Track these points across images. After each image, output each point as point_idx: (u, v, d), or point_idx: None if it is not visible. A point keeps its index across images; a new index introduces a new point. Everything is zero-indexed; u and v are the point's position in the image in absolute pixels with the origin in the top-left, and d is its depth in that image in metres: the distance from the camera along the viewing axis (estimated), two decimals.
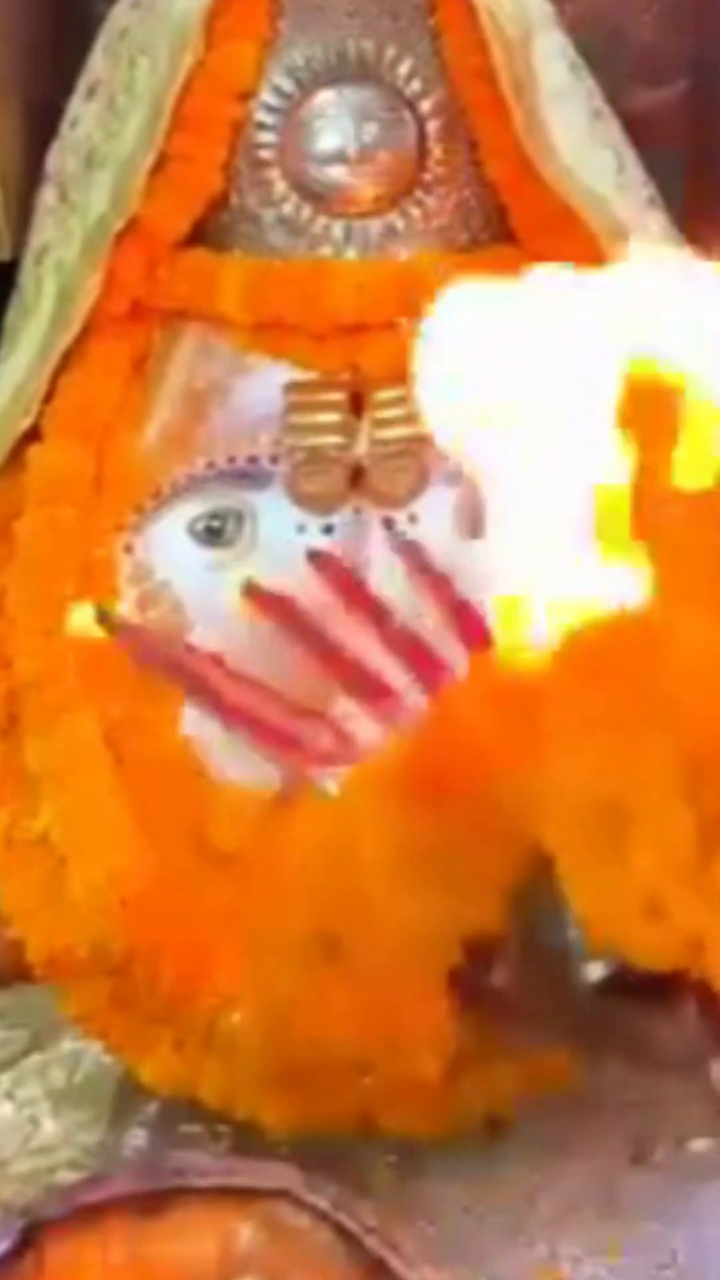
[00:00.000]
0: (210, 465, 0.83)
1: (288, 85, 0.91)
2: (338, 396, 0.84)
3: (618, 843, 0.39)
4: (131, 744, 0.78)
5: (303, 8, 0.91)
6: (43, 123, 0.93)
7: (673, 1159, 0.78)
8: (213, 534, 0.82)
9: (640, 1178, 0.77)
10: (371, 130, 0.90)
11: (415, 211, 0.87)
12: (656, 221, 0.95)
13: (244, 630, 0.79)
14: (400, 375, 0.83)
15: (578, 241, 0.90)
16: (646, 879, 0.39)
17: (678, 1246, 0.74)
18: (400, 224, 0.87)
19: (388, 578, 0.79)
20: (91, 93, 0.91)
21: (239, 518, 0.82)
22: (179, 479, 0.84)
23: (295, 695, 0.77)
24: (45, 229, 0.91)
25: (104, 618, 0.73)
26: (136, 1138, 0.80)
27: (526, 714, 0.43)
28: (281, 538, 0.81)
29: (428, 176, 0.91)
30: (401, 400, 0.83)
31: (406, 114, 0.90)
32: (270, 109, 0.91)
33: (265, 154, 0.89)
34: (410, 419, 0.83)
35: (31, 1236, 0.65)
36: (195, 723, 0.78)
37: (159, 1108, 0.80)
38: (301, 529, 0.81)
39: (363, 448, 0.83)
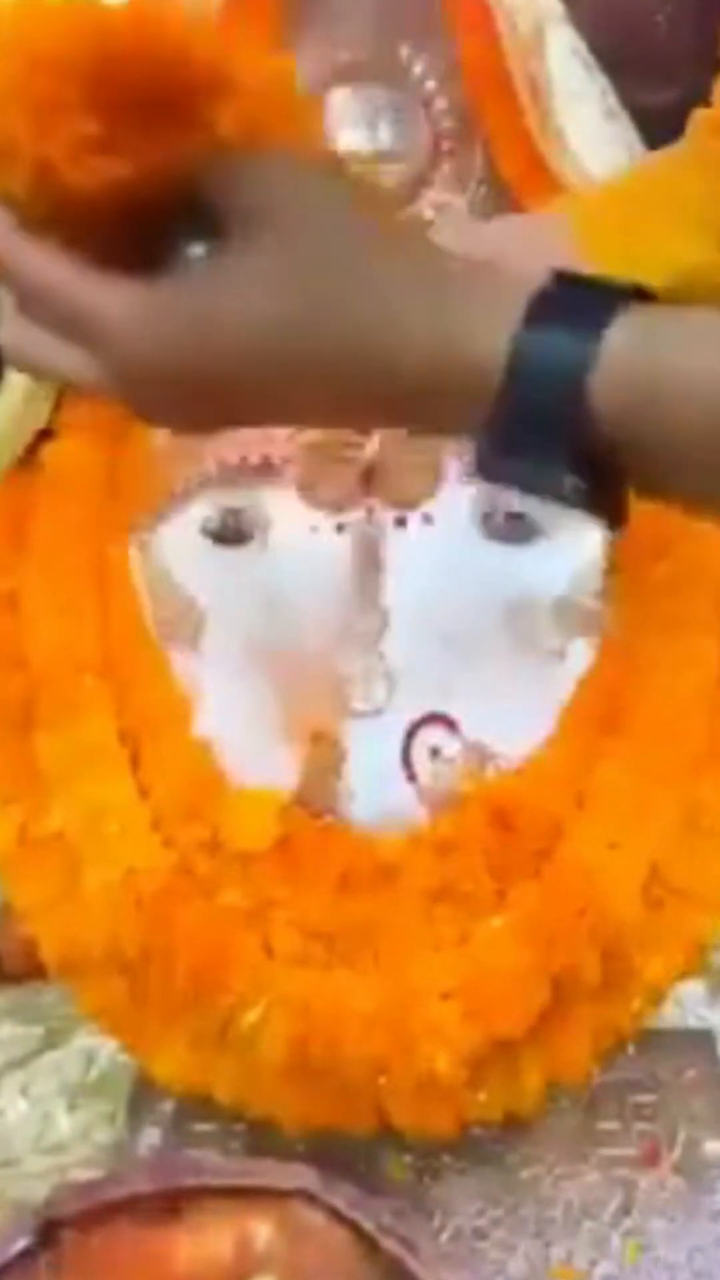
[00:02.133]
0: (222, 464, 0.83)
1: (300, 86, 0.90)
2: None
3: None
4: (147, 743, 0.78)
5: (315, 7, 0.91)
6: None
7: (687, 1160, 0.78)
8: (225, 533, 0.82)
9: (654, 1179, 0.77)
10: (385, 130, 0.90)
11: (429, 211, 0.86)
12: None
13: (258, 630, 0.79)
14: None
15: None
16: None
17: (693, 1247, 0.74)
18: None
19: (402, 578, 0.79)
20: None
21: (252, 517, 0.82)
22: (192, 478, 0.83)
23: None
24: None
25: None
26: (151, 1136, 0.80)
27: None
28: (294, 537, 0.81)
29: (441, 176, 0.91)
30: None
31: (420, 114, 0.90)
32: None
33: None
34: None
35: (49, 1234, 0.65)
36: (211, 723, 0.78)
37: (174, 1106, 0.80)
38: (314, 529, 0.81)
39: (375, 447, 0.82)
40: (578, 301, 0.49)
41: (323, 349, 0.50)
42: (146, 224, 0.51)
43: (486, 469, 0.50)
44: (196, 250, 0.51)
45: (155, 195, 0.50)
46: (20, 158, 0.49)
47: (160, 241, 0.51)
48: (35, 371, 0.54)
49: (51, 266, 0.50)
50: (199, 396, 0.51)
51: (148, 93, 0.48)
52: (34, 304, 0.51)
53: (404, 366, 0.50)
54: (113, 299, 0.50)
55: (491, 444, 0.49)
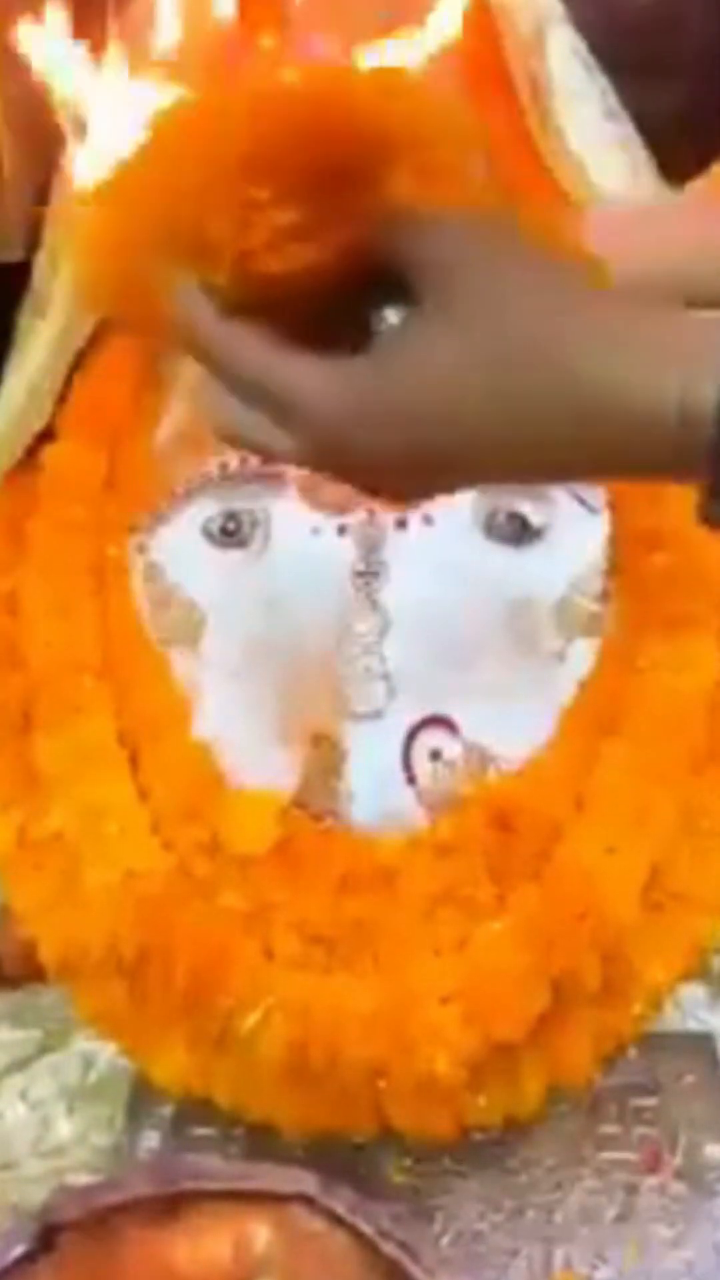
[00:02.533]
0: (223, 466, 0.83)
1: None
2: None
3: None
4: (147, 745, 0.78)
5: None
6: (58, 121, 0.92)
7: (688, 1165, 0.78)
8: (226, 535, 0.82)
9: (655, 1184, 0.77)
10: None
11: None
12: None
13: (258, 632, 0.79)
14: None
15: None
16: None
17: (694, 1252, 0.74)
18: None
19: (403, 580, 0.79)
20: None
21: (252, 519, 0.82)
22: (192, 479, 0.83)
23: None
24: (59, 229, 0.90)
25: None
26: (150, 1140, 0.80)
27: None
28: (295, 539, 0.81)
29: None
30: None
31: None
32: None
33: None
34: None
35: (48, 1239, 0.65)
36: (211, 725, 0.78)
37: (173, 1110, 0.80)
38: (316, 530, 0.81)
39: None
40: None
41: (525, 405, 0.50)
42: (341, 297, 0.53)
43: (707, 516, 0.50)
44: (390, 317, 0.52)
45: (347, 269, 0.52)
46: (221, 252, 0.51)
47: (356, 312, 0.53)
48: (243, 448, 0.56)
49: (250, 350, 0.52)
50: (406, 466, 0.52)
51: (327, 170, 0.51)
52: (237, 385, 0.53)
53: (605, 417, 0.50)
54: (309, 380, 0.51)
55: (712, 491, 0.49)
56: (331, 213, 0.51)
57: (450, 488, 0.55)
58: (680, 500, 0.79)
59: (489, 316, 0.50)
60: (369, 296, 0.53)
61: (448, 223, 0.51)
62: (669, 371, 0.49)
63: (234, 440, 0.55)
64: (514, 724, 0.77)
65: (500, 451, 0.51)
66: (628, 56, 0.97)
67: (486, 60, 0.90)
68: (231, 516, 0.81)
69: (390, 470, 0.52)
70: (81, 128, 0.61)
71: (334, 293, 0.52)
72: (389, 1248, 0.64)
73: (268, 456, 0.55)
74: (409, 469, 0.52)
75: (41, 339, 0.88)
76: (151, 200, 0.53)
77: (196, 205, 0.51)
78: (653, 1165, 0.78)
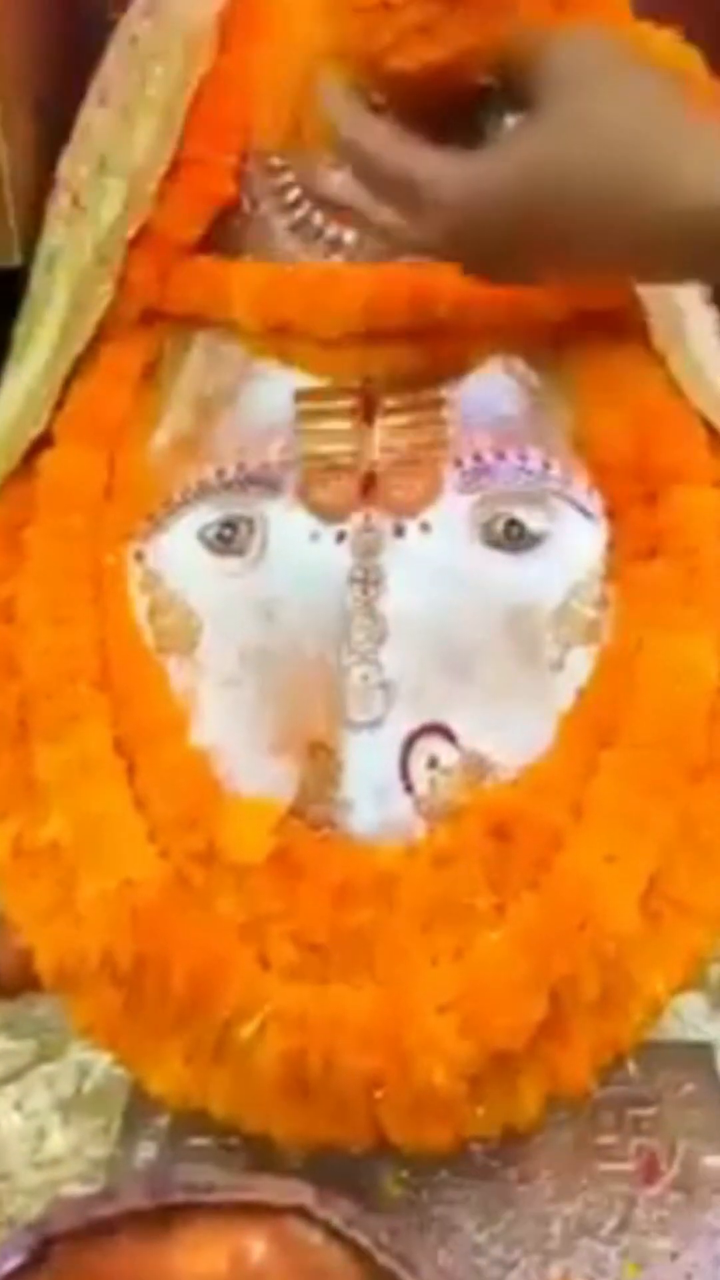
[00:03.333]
0: (221, 472, 0.83)
1: None
2: (348, 404, 0.83)
3: None
4: (144, 753, 0.77)
5: None
6: (55, 128, 0.92)
7: (686, 1175, 0.78)
8: (224, 541, 0.81)
9: (654, 1195, 0.77)
10: None
11: None
12: None
13: (255, 639, 0.79)
14: (410, 382, 0.83)
15: None
16: None
17: (692, 1264, 0.74)
18: None
19: (401, 587, 0.79)
20: (104, 99, 0.90)
21: (250, 525, 0.81)
22: (190, 486, 0.83)
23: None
24: (57, 235, 0.90)
25: None
26: (146, 1151, 0.80)
27: None
28: (293, 545, 0.81)
29: None
30: (413, 407, 0.83)
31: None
32: None
33: (277, 160, 0.89)
34: (421, 426, 0.83)
35: (43, 1251, 0.64)
36: (208, 733, 0.77)
37: (169, 1121, 0.80)
38: (314, 536, 0.80)
39: (374, 455, 0.82)
40: None
41: (618, 197, 0.61)
42: (465, 103, 0.66)
43: None
44: (508, 120, 0.65)
45: (470, 75, 0.63)
46: (353, 53, 0.64)
47: (476, 117, 0.67)
48: (366, 226, 0.68)
49: (388, 144, 0.63)
50: (528, 244, 0.63)
51: None
52: (375, 177, 0.64)
53: (686, 209, 0.61)
54: (441, 169, 0.62)
55: None
56: (457, 18, 0.62)
57: (552, 271, 0.65)
58: (679, 506, 0.80)
59: (599, 120, 0.61)
60: (486, 102, 0.66)
61: (563, 36, 0.62)
62: None
63: (359, 220, 0.68)
64: (513, 732, 0.77)
65: (596, 235, 0.62)
66: None
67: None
68: (228, 523, 0.81)
69: (502, 249, 0.63)
70: None
71: (454, 98, 0.65)
72: (386, 1260, 0.64)
73: (399, 243, 0.66)
74: (519, 250, 0.63)
75: (39, 344, 0.88)
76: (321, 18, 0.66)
77: (346, 16, 0.64)
78: (650, 1176, 0.78)
